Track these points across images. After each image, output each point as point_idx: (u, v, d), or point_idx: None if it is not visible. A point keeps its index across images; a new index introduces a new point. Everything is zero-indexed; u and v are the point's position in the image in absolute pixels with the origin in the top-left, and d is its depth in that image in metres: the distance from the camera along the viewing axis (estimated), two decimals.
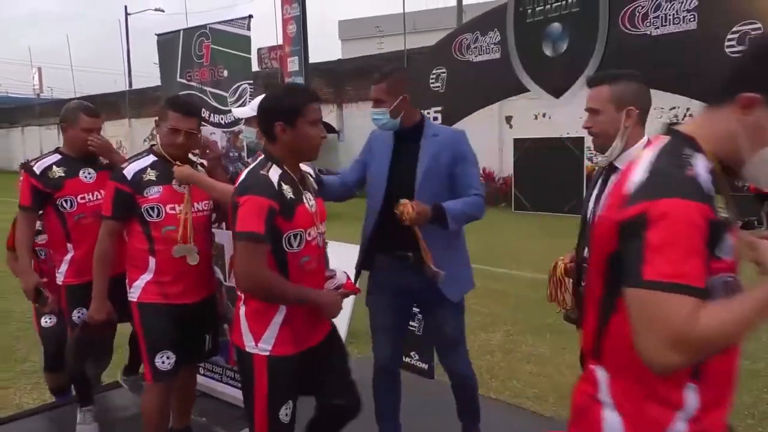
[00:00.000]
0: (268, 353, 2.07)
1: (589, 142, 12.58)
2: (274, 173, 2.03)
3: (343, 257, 3.18)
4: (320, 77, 20.21)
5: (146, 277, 2.60)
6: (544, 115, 15.04)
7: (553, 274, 2.38)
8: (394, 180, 2.65)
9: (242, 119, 3.30)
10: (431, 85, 3.50)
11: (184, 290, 2.65)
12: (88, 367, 3.03)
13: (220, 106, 3.42)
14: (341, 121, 20.75)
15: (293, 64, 7.71)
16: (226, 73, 3.37)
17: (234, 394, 3.60)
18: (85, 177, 3.00)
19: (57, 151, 3.07)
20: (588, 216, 2.17)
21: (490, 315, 5.79)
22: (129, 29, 34.26)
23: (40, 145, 32.91)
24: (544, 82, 3.02)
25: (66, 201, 2.94)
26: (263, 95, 2.26)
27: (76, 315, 3.03)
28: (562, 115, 13.18)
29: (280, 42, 8.00)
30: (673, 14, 2.52)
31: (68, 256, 3.02)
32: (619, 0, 2.68)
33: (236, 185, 2.05)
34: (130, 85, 32.85)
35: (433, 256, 2.53)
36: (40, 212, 3.08)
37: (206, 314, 2.82)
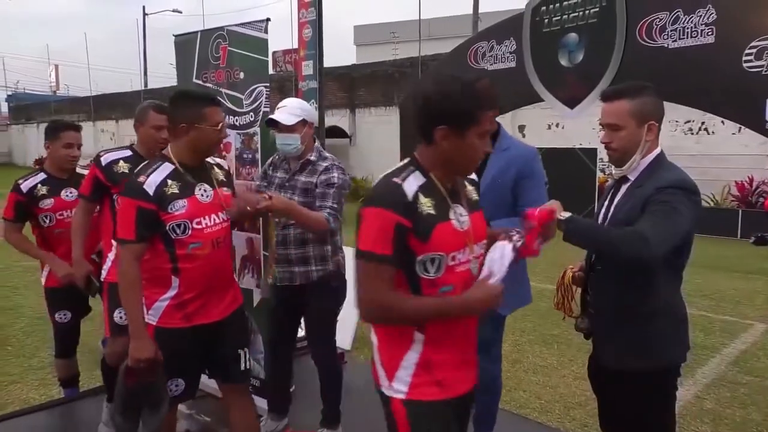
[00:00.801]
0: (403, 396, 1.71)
1: (602, 153, 12.48)
2: (413, 180, 1.66)
3: (351, 261, 3.19)
4: (334, 81, 20.29)
5: (167, 298, 2.36)
6: (557, 125, 15.00)
7: (561, 283, 2.37)
8: None
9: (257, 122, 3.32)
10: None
11: (209, 309, 2.43)
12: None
13: (235, 108, 3.44)
14: (354, 126, 20.80)
15: (307, 68, 7.72)
16: (242, 75, 3.38)
17: None
18: None
19: (130, 147, 3.13)
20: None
21: None
22: (147, 30, 34.58)
23: None
24: (559, 92, 3.02)
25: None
26: (420, 83, 2.10)
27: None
28: (575, 126, 13.13)
29: (295, 45, 8.03)
30: (691, 28, 2.51)
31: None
32: (637, 12, 2.67)
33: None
34: (146, 85, 33.13)
35: None
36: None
37: (236, 330, 2.59)
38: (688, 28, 2.52)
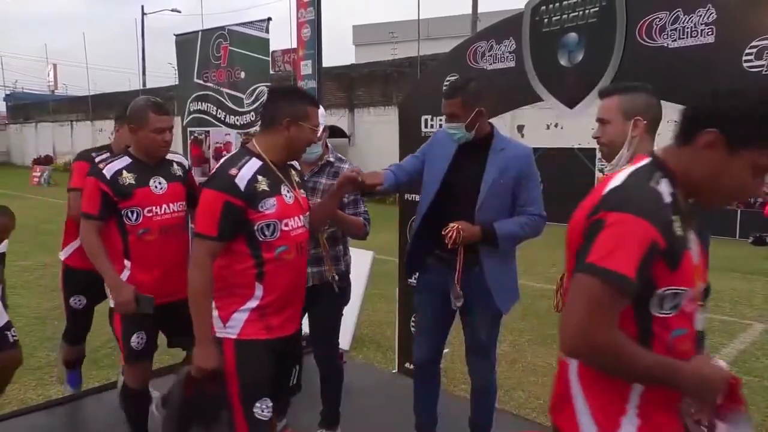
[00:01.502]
0: None
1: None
2: (665, 188, 1.32)
3: (356, 262, 3.19)
4: (332, 81, 20.28)
5: (248, 308, 2.14)
6: (556, 125, 15.01)
7: (560, 285, 2.36)
8: (450, 187, 2.66)
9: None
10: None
11: (288, 320, 2.27)
12: None
13: (236, 108, 3.43)
14: (352, 126, 20.79)
15: (306, 68, 7.70)
16: (243, 74, 3.38)
17: None
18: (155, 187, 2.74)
19: (127, 152, 2.79)
20: None
21: None
22: (145, 29, 34.52)
23: (52, 141, 33.22)
24: (559, 92, 3.01)
25: (131, 212, 2.68)
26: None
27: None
28: (574, 126, 13.12)
29: (294, 45, 8.01)
30: (691, 27, 2.50)
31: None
32: (637, 12, 2.67)
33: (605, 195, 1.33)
34: (145, 84, 33.09)
35: (489, 267, 2.63)
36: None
37: (298, 345, 2.49)
38: (688, 28, 2.52)
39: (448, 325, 2.92)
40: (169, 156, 2.84)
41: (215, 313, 2.12)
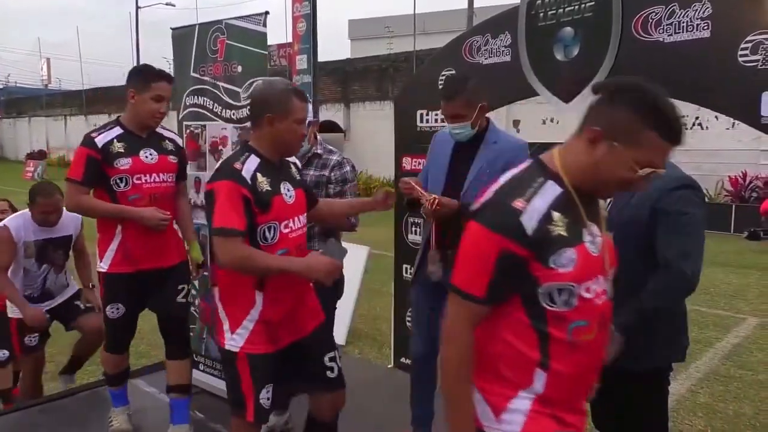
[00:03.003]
0: None
1: None
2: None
3: (351, 258, 3.18)
4: (328, 76, 20.22)
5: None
6: (552, 120, 15.01)
7: None
8: (448, 183, 2.68)
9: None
10: (440, 87, 3.48)
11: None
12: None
13: (232, 102, 3.42)
14: (348, 121, 20.75)
15: (302, 63, 7.69)
16: (240, 68, 3.36)
17: None
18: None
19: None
20: None
21: None
22: (139, 23, 34.33)
23: (46, 136, 33.06)
24: (555, 86, 3.01)
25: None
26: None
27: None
28: (570, 120, 13.07)
29: (289, 39, 7.99)
30: (687, 22, 2.50)
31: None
32: (633, 6, 2.66)
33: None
34: None
35: None
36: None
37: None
38: (683, 23, 2.52)
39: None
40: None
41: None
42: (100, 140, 2.83)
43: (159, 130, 3.03)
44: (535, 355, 1.40)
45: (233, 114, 3.42)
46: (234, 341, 2.16)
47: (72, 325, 3.71)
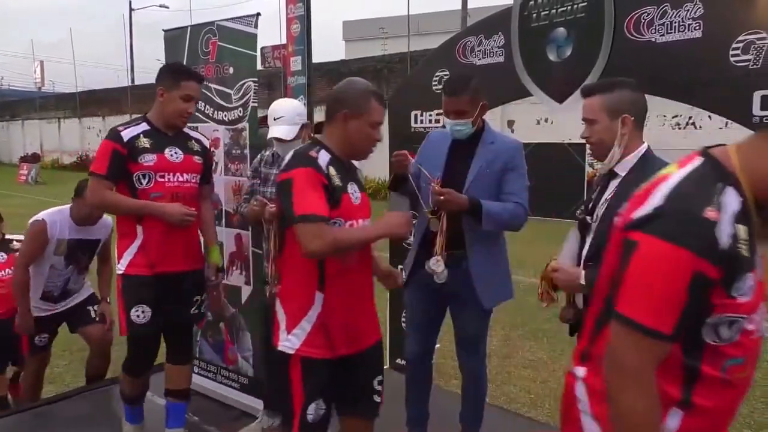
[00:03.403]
0: None
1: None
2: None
3: None
4: (323, 77, 20.20)
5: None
6: (546, 120, 15.04)
7: (545, 274, 2.35)
8: (447, 182, 2.66)
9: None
10: (434, 88, 3.49)
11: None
12: None
13: (224, 103, 3.41)
14: None
15: (296, 64, 7.69)
16: (231, 70, 3.36)
17: (228, 394, 3.59)
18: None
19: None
20: (593, 220, 2.15)
21: None
22: (133, 25, 34.26)
23: (39, 139, 32.91)
24: (548, 86, 3.02)
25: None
26: None
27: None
28: (564, 121, 13.16)
29: (284, 41, 7.98)
30: (679, 22, 2.51)
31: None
32: (625, 6, 2.67)
33: None
34: (133, 80, 32.84)
35: (474, 262, 2.65)
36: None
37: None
38: (675, 23, 2.53)
39: (439, 321, 2.93)
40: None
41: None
42: (127, 134, 2.75)
43: (186, 129, 2.98)
44: (676, 395, 1.21)
45: (225, 116, 3.41)
46: (290, 342, 2.06)
47: (78, 330, 3.69)
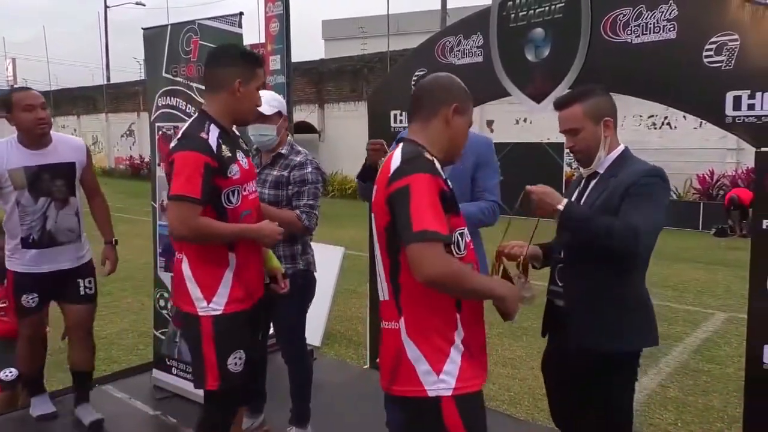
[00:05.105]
0: None
1: None
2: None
3: (326, 258, 3.18)
4: (302, 77, 20.13)
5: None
6: (525, 120, 15.18)
7: (497, 265, 2.14)
8: None
9: None
10: (413, 87, 3.49)
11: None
12: None
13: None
14: (322, 121, 20.69)
15: (275, 63, 7.66)
16: None
17: None
18: None
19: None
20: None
21: None
22: (109, 23, 33.76)
23: None
24: (526, 87, 3.04)
25: None
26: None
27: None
28: (542, 120, 13.30)
29: (263, 40, 7.94)
30: (654, 23, 2.55)
31: None
32: (602, 8, 2.71)
33: None
34: (109, 79, 32.36)
35: None
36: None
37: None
38: (650, 24, 2.57)
39: None
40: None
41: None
42: (212, 141, 2.15)
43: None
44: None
45: None
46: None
47: (60, 305, 3.19)
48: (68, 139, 3.10)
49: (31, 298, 3.02)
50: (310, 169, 2.86)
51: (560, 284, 2.18)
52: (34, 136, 2.96)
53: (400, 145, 1.79)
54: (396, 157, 1.72)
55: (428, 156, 1.73)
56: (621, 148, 2.14)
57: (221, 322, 2.18)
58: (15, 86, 37.83)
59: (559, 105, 2.17)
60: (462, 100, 1.86)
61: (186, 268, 2.21)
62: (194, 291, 2.19)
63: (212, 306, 2.18)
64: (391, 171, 1.69)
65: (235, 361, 2.21)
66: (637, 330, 2.10)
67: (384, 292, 1.80)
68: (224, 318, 2.18)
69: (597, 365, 2.09)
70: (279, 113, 2.88)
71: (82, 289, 3.15)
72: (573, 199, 2.20)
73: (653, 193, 1.99)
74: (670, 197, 2.06)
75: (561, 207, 1.99)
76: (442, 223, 1.62)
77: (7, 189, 2.91)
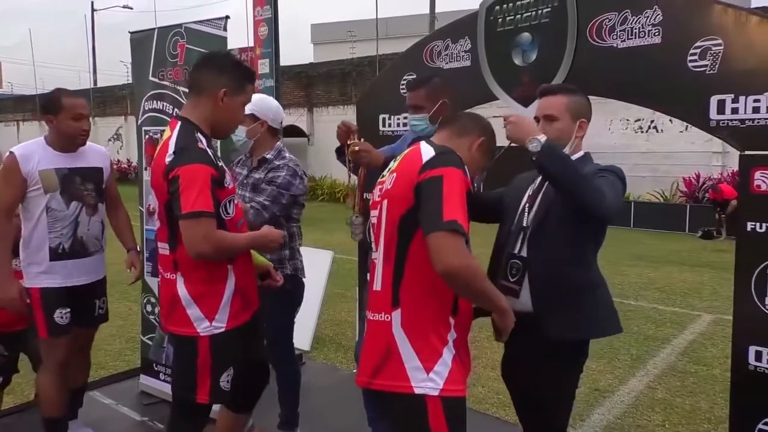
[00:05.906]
0: None
1: None
2: None
3: (315, 262, 3.17)
4: (291, 80, 20.11)
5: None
6: None
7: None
8: None
9: None
10: (401, 91, 3.50)
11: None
12: None
13: None
14: (311, 125, 20.66)
15: (264, 67, 7.64)
16: None
17: None
18: None
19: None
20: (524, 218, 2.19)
21: None
22: (96, 26, 33.54)
23: None
24: (513, 91, 3.06)
25: None
26: None
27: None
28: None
29: (251, 44, 7.92)
30: (639, 28, 2.58)
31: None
32: (588, 12, 2.73)
33: None
34: (96, 82, 32.14)
35: None
36: None
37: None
38: (635, 29, 2.59)
39: None
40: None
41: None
42: (210, 151, 2.09)
43: None
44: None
45: None
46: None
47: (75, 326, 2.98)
48: (93, 144, 3.00)
49: (65, 313, 2.80)
50: (283, 173, 2.87)
51: (512, 279, 2.13)
52: (71, 144, 2.85)
53: (424, 141, 1.87)
54: (426, 150, 1.77)
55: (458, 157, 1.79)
56: (583, 152, 2.19)
57: (220, 340, 2.12)
58: (0, 90, 37.51)
59: (547, 90, 2.22)
60: (489, 133, 2.07)
61: (182, 289, 2.10)
62: (194, 312, 2.10)
63: (215, 324, 2.11)
64: (424, 161, 1.72)
65: (228, 379, 2.18)
66: (606, 314, 2.11)
67: (378, 282, 1.79)
68: (224, 336, 2.13)
69: (564, 352, 2.07)
70: (252, 116, 2.87)
71: (96, 309, 3.03)
72: (530, 194, 2.20)
73: (612, 179, 2.04)
74: (624, 193, 2.12)
75: (543, 138, 1.93)
76: (466, 220, 1.65)
77: (36, 192, 2.74)
